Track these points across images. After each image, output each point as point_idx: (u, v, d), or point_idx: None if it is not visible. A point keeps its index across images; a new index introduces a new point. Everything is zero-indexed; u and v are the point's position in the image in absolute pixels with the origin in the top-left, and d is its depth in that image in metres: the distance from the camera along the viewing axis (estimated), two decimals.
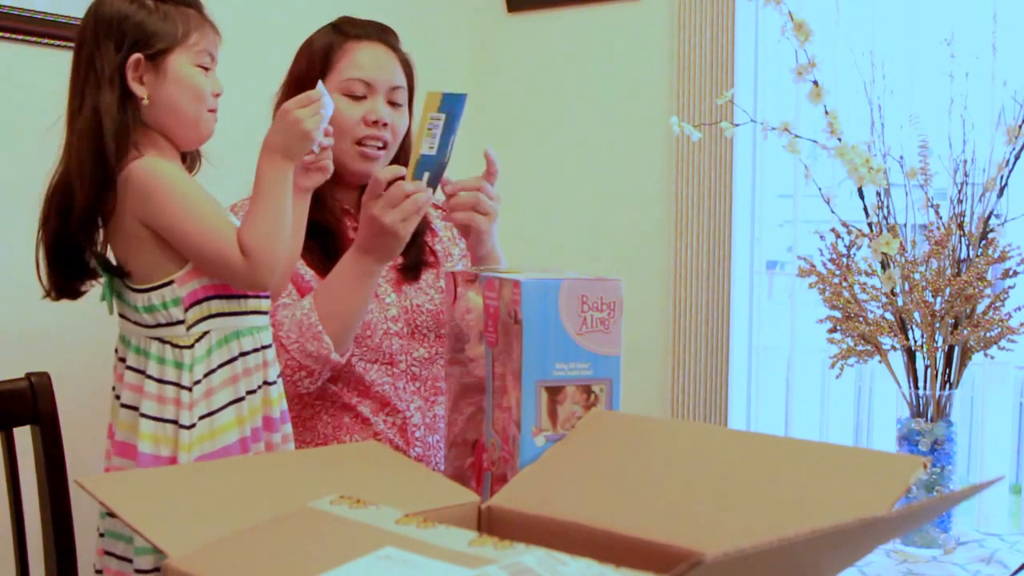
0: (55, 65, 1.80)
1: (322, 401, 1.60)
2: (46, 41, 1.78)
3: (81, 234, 1.26)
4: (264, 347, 1.34)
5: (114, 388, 1.32)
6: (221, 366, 1.30)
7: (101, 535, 1.31)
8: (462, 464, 1.31)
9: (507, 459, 1.14)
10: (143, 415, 1.26)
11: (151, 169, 1.25)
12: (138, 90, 1.27)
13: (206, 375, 1.28)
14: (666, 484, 0.92)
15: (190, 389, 1.27)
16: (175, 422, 1.26)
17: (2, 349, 1.72)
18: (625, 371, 1.14)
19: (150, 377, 1.27)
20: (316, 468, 1.03)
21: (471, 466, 1.29)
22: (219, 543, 0.76)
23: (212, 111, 1.32)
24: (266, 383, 1.34)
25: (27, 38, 1.76)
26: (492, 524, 0.95)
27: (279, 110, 1.31)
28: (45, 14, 1.77)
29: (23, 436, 1.45)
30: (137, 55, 1.26)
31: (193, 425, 1.26)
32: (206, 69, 1.31)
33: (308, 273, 1.59)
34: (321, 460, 1.08)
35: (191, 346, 1.28)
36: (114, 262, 1.28)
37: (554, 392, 1.11)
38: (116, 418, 1.30)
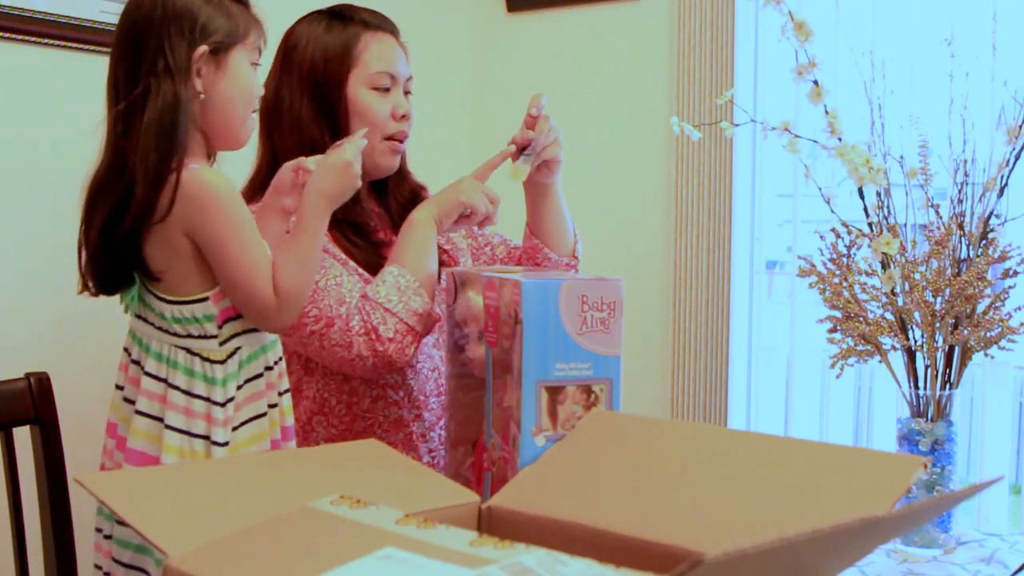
0: (55, 65, 1.81)
1: (373, 415, 1.55)
2: (46, 41, 1.78)
3: (133, 232, 1.21)
4: (280, 359, 1.34)
5: (122, 388, 1.29)
6: (248, 381, 1.29)
7: (107, 536, 1.29)
8: (462, 464, 1.31)
9: (507, 459, 1.14)
10: (169, 427, 1.23)
11: (211, 181, 1.22)
12: (197, 84, 1.23)
13: (237, 389, 1.27)
14: (666, 484, 0.92)
15: (223, 405, 1.25)
16: (207, 438, 1.24)
17: (2, 349, 1.72)
18: (625, 371, 1.14)
19: (176, 388, 1.24)
20: (316, 468, 1.03)
21: (471, 466, 1.28)
22: (219, 543, 0.76)
23: (255, 112, 1.30)
24: (279, 394, 1.33)
25: (27, 38, 1.76)
26: (492, 524, 0.95)
27: (336, 160, 1.30)
28: (45, 14, 1.77)
29: (23, 436, 1.45)
30: (203, 47, 1.22)
31: (227, 443, 1.25)
32: (255, 67, 1.30)
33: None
34: (321, 460, 1.08)
35: (223, 361, 1.26)
36: (149, 267, 1.23)
37: (554, 392, 1.11)
38: (126, 422, 1.27)
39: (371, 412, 1.54)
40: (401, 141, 1.60)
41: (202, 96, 1.23)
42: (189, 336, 1.25)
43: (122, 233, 1.20)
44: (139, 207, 1.19)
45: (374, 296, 1.44)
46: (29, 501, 1.45)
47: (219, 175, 1.25)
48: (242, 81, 1.27)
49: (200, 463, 1.20)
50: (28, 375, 1.45)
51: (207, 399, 1.25)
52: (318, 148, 1.54)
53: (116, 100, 1.23)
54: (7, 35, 1.73)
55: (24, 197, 1.78)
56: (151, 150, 1.19)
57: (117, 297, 1.30)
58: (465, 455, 1.31)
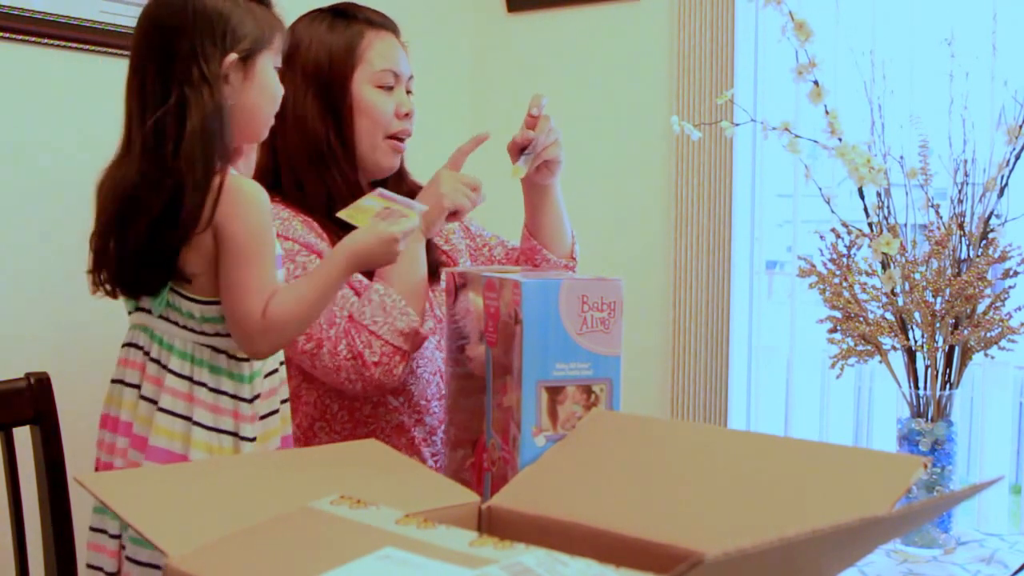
0: (55, 65, 1.81)
1: (375, 420, 1.55)
2: (46, 41, 1.78)
3: (180, 239, 1.20)
4: (282, 363, 1.35)
5: (136, 386, 1.28)
6: (267, 376, 1.31)
7: (113, 536, 1.29)
8: (462, 464, 1.31)
9: (507, 459, 1.14)
10: (197, 424, 1.24)
11: (250, 190, 1.23)
12: (226, 90, 1.23)
13: (261, 383, 1.29)
14: (666, 484, 0.92)
15: (251, 401, 1.27)
16: (234, 434, 1.26)
17: (2, 349, 1.72)
18: (625, 371, 1.14)
19: (202, 385, 1.25)
20: (316, 468, 1.03)
21: (471, 466, 1.28)
22: (219, 543, 0.76)
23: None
24: (281, 402, 1.35)
25: (27, 38, 1.76)
26: (492, 524, 0.95)
27: (385, 231, 1.28)
28: (45, 14, 1.77)
29: (23, 436, 1.45)
30: (233, 56, 1.23)
31: (255, 438, 1.26)
32: (279, 70, 1.31)
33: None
34: (321, 460, 1.08)
35: (249, 359, 1.27)
36: (183, 270, 1.23)
37: (554, 392, 1.11)
38: (145, 421, 1.26)
39: (372, 418, 1.54)
40: (403, 140, 1.61)
41: (230, 102, 1.24)
42: (217, 335, 1.26)
43: (167, 242, 1.21)
44: (189, 216, 1.19)
45: (359, 318, 1.44)
46: (29, 501, 1.45)
47: (259, 188, 1.26)
48: (268, 87, 1.28)
49: (200, 463, 1.20)
50: (28, 375, 1.45)
51: (234, 396, 1.26)
52: (321, 146, 1.54)
53: (142, 106, 1.22)
54: (7, 35, 1.73)
55: (24, 197, 1.78)
56: (197, 161, 1.19)
57: (119, 298, 1.30)
58: (465, 457, 1.31)
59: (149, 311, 1.28)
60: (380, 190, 1.35)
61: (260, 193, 1.25)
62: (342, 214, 1.34)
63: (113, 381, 1.32)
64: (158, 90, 1.21)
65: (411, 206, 1.35)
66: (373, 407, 1.54)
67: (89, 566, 1.30)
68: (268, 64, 1.28)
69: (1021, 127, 1.45)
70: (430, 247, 1.64)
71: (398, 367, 1.45)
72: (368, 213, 1.33)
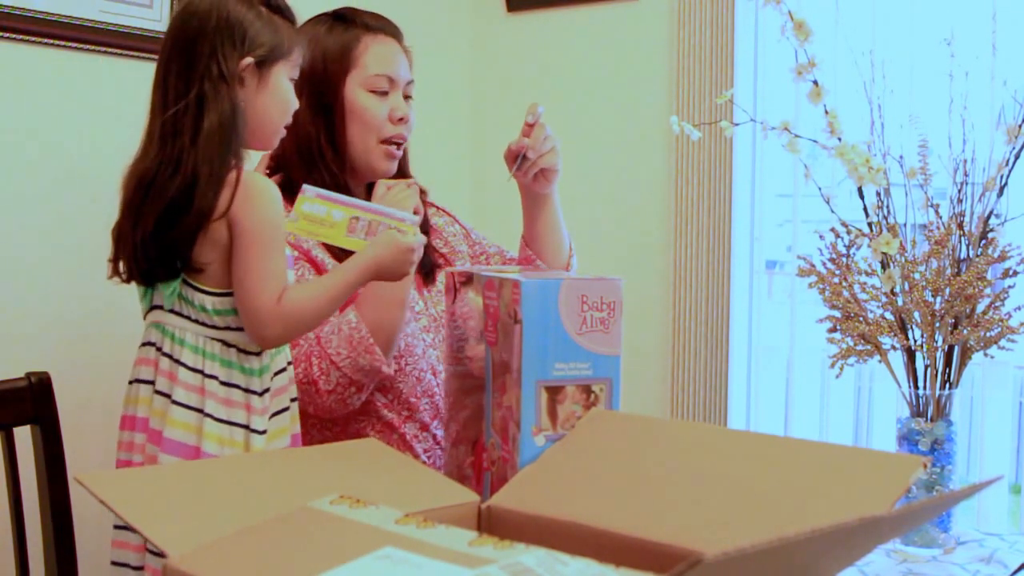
0: (55, 65, 1.81)
1: (367, 417, 1.55)
2: (46, 41, 1.78)
3: (192, 229, 1.24)
4: (290, 363, 1.37)
5: (151, 382, 1.29)
6: (276, 375, 1.32)
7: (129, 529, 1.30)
8: (462, 464, 1.31)
9: (507, 459, 1.15)
10: (209, 416, 1.26)
11: (265, 185, 1.28)
12: (239, 92, 1.28)
13: (270, 380, 1.31)
14: (666, 484, 0.92)
15: (261, 395, 1.29)
16: (246, 426, 1.28)
17: (2, 349, 1.72)
18: (625, 371, 1.14)
19: (214, 378, 1.27)
20: (316, 468, 1.03)
21: (471, 466, 1.29)
22: (219, 543, 0.76)
23: (287, 127, 1.36)
24: (291, 400, 1.36)
25: (27, 38, 1.76)
26: (492, 524, 0.95)
27: (403, 242, 1.31)
28: (46, 14, 1.77)
29: (23, 436, 1.45)
30: (249, 59, 1.28)
31: (265, 431, 1.28)
32: (294, 82, 1.34)
33: None
34: (321, 459, 1.08)
35: (259, 353, 1.30)
36: (195, 260, 1.26)
37: (554, 392, 1.11)
38: (160, 415, 1.28)
39: (363, 415, 1.55)
40: (399, 145, 1.61)
41: (243, 104, 1.28)
42: (228, 328, 1.28)
43: (179, 230, 1.24)
44: (200, 207, 1.23)
45: (325, 345, 1.45)
46: (30, 501, 1.45)
47: (273, 184, 1.30)
48: (280, 96, 1.32)
49: (200, 463, 1.21)
50: (28, 375, 1.45)
51: (245, 389, 1.29)
52: (312, 146, 1.55)
53: (164, 101, 1.27)
54: (7, 35, 1.73)
55: (24, 197, 1.78)
56: (213, 156, 1.24)
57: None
58: (465, 454, 1.31)
59: (162, 307, 1.30)
60: (315, 190, 1.34)
61: (274, 189, 1.29)
62: (290, 227, 1.33)
63: (130, 382, 1.33)
64: (180, 86, 1.27)
65: (401, 217, 1.36)
66: (363, 405, 1.54)
67: (114, 563, 1.31)
68: (283, 74, 1.32)
69: (1020, 127, 1.45)
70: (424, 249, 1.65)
71: (352, 398, 1.47)
72: (324, 223, 1.34)
